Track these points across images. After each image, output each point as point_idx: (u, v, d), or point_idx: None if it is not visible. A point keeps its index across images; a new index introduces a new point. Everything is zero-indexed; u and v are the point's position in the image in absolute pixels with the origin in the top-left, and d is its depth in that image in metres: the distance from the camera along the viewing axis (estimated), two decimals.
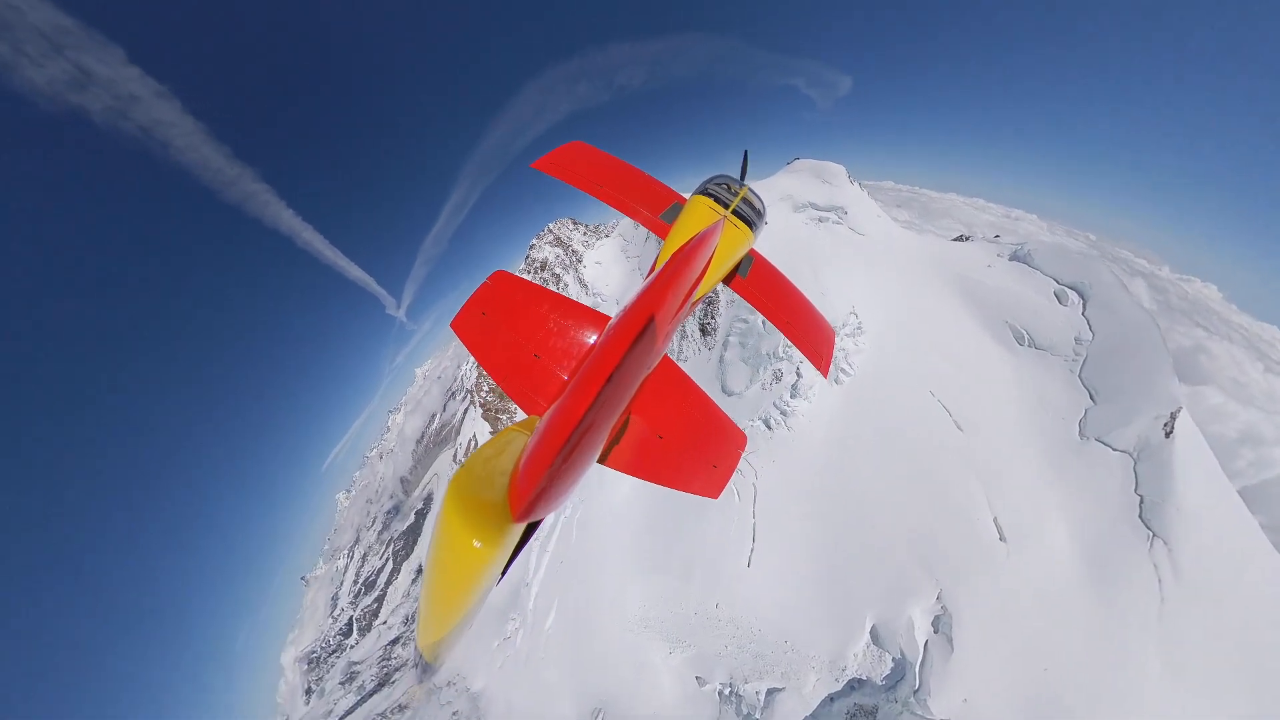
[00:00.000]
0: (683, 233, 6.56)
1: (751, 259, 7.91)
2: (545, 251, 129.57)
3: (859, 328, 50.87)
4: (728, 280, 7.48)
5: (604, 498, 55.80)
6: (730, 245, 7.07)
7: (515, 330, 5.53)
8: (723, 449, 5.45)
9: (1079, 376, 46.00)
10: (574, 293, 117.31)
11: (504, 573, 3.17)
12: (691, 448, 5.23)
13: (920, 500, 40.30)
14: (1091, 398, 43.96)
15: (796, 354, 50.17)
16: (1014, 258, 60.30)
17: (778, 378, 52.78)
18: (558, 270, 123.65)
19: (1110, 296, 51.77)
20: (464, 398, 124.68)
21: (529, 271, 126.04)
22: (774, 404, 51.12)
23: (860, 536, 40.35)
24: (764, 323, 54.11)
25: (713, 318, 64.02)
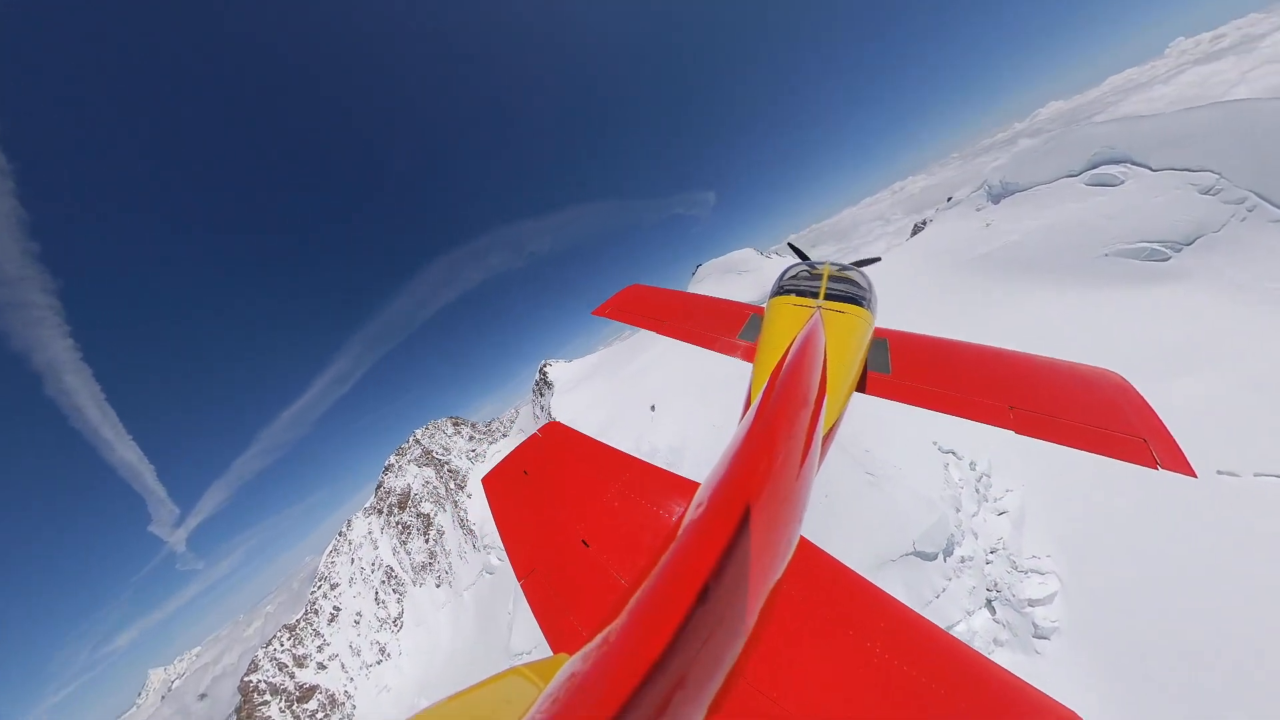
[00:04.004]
0: (773, 346, 5.03)
1: (885, 343, 5.72)
2: (408, 475, 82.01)
3: (983, 479, 26.70)
4: (866, 387, 5.27)
5: None
6: (843, 339, 5.17)
7: (562, 502, 4.09)
8: None
9: None
10: (453, 542, 76.50)
11: None
12: None
13: None
14: None
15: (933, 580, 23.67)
16: (998, 198, 48.40)
17: None
18: (426, 507, 78.25)
19: (1169, 129, 38.66)
20: None
21: (379, 512, 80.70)
22: None
23: None
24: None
25: None
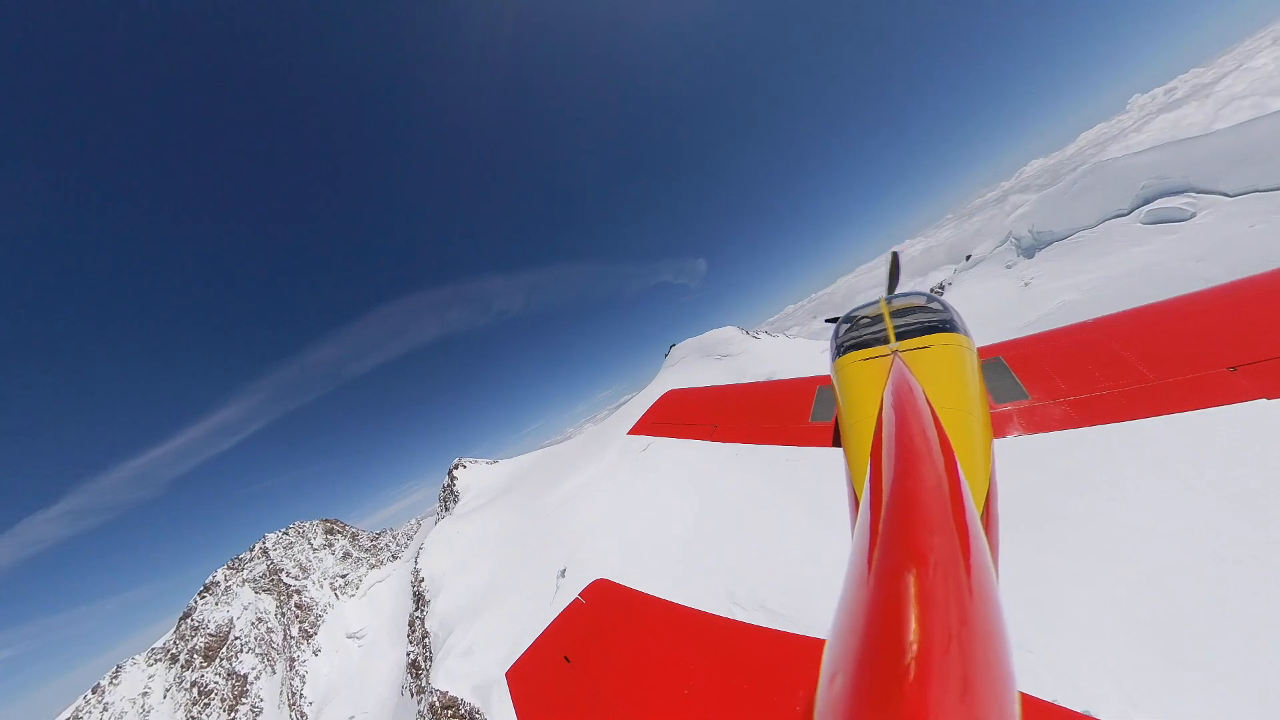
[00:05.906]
0: (859, 417, 3.75)
1: (1001, 362, 4.16)
2: (234, 605, 52.33)
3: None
4: (1004, 429, 3.67)
5: None
6: (944, 378, 3.74)
7: (628, 704, 2.59)
8: None
9: None
10: None
11: None
12: None
13: None
14: None
15: None
16: (1031, 251, 41.12)
17: None
18: (245, 663, 47.36)
19: (1231, 147, 31.82)
20: None
21: (173, 659, 50.89)
22: None
23: None
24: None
25: None
